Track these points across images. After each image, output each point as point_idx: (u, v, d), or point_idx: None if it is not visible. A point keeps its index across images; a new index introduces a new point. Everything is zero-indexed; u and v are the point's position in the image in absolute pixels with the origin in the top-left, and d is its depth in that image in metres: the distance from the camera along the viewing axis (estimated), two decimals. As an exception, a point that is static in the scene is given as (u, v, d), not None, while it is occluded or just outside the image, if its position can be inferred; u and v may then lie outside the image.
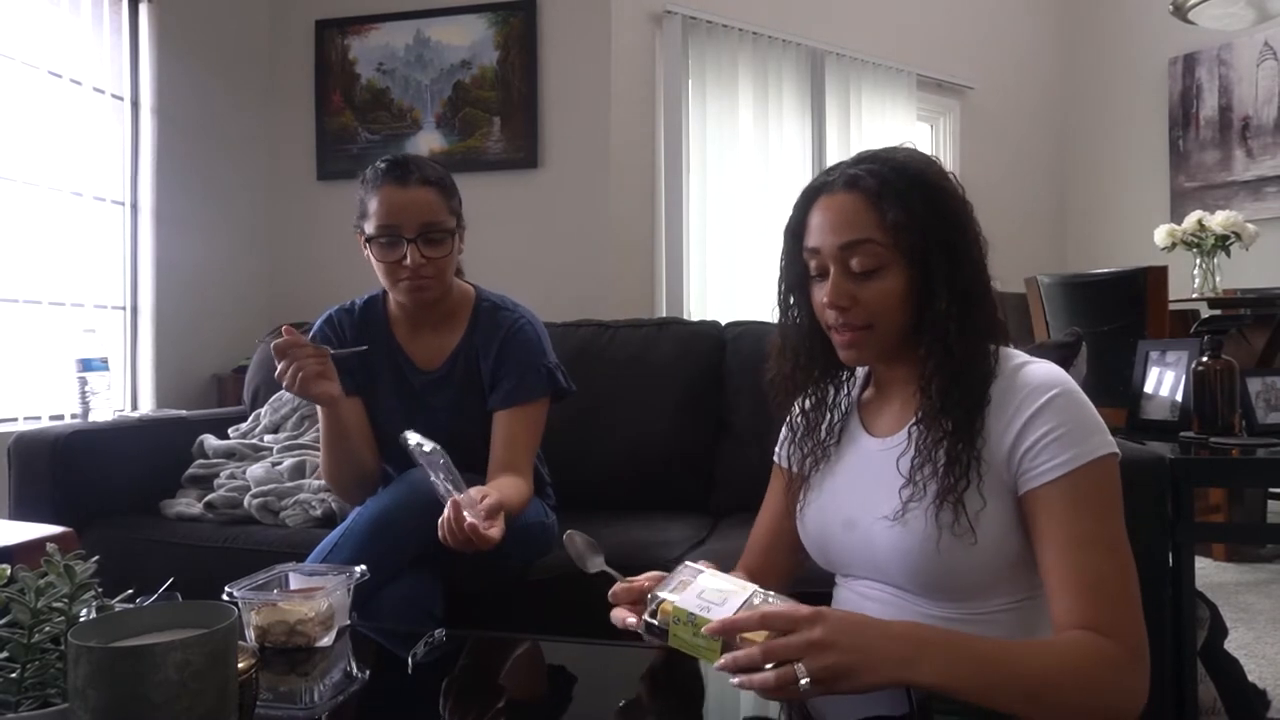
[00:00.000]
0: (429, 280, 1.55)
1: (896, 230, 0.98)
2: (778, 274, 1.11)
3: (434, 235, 1.53)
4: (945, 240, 0.98)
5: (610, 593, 1.00)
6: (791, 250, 1.07)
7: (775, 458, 1.23)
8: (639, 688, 1.00)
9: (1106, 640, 0.88)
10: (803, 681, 0.79)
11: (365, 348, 1.54)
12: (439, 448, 1.25)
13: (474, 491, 1.31)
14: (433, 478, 1.27)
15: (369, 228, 1.55)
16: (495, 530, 1.28)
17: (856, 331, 1.01)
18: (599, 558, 1.09)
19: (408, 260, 1.51)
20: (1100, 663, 0.87)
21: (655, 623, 0.91)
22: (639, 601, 0.97)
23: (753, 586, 0.92)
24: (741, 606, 0.88)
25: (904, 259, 0.98)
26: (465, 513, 1.25)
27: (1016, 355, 1.02)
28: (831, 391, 1.13)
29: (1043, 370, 0.99)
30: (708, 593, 0.91)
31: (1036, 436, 0.94)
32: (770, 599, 0.90)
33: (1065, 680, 0.85)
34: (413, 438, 1.25)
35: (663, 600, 0.91)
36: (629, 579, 1.00)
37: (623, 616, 0.97)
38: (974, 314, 0.99)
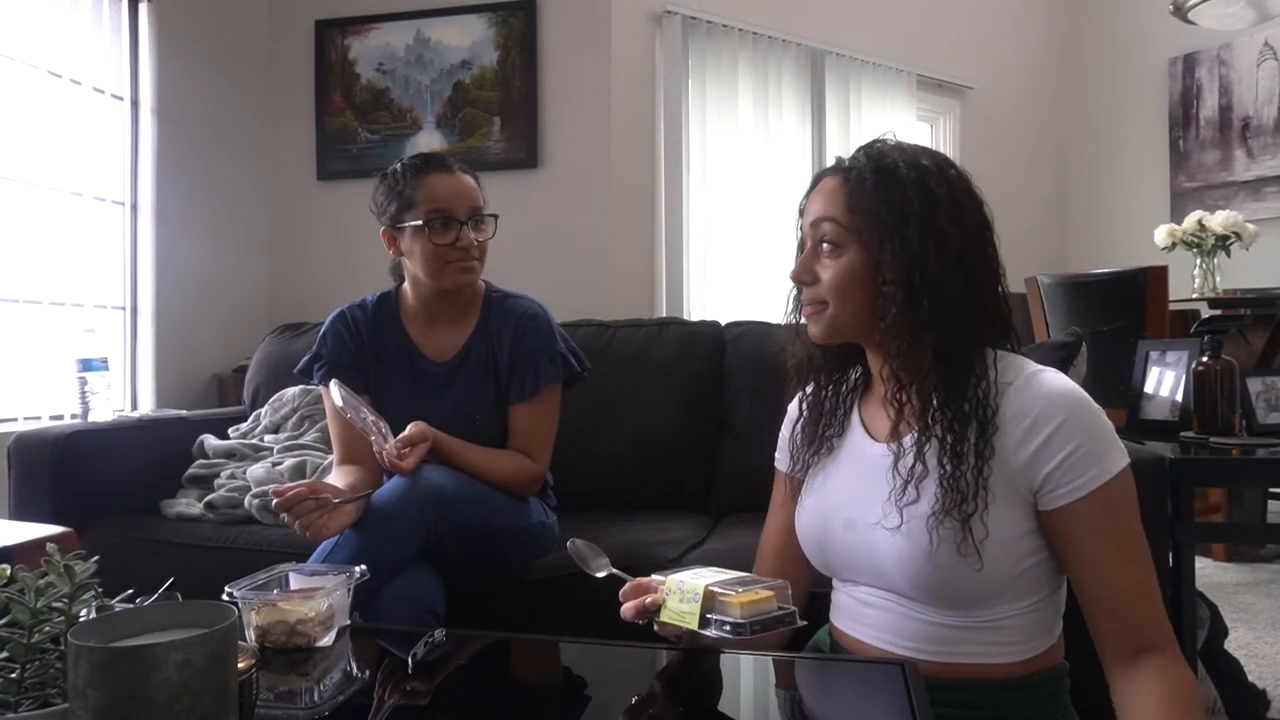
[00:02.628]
0: (475, 263, 1.63)
1: (851, 212, 1.02)
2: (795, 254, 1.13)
3: (481, 218, 1.63)
4: (905, 230, 0.99)
5: (620, 592, 1.01)
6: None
7: (776, 462, 1.22)
8: (653, 686, 1.00)
9: (1165, 660, 0.94)
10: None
11: (368, 493, 1.47)
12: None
13: (409, 428, 1.48)
14: (350, 415, 1.44)
15: (417, 216, 1.59)
16: (409, 461, 1.44)
17: (814, 306, 1.06)
18: (603, 560, 1.09)
19: (461, 242, 1.58)
20: (1189, 685, 0.94)
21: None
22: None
23: (749, 575, 0.97)
24: (732, 580, 0.93)
25: (856, 240, 1.02)
26: (377, 441, 1.44)
27: (1027, 364, 1.01)
28: (831, 388, 1.13)
29: (1057, 383, 0.98)
30: (703, 572, 0.97)
31: (1061, 456, 0.94)
32: (763, 584, 0.94)
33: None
34: (335, 387, 1.46)
35: (663, 581, 0.96)
36: (637, 579, 1.01)
37: (633, 605, 0.98)
38: (944, 312, 0.97)
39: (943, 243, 0.98)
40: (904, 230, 0.99)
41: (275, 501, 1.34)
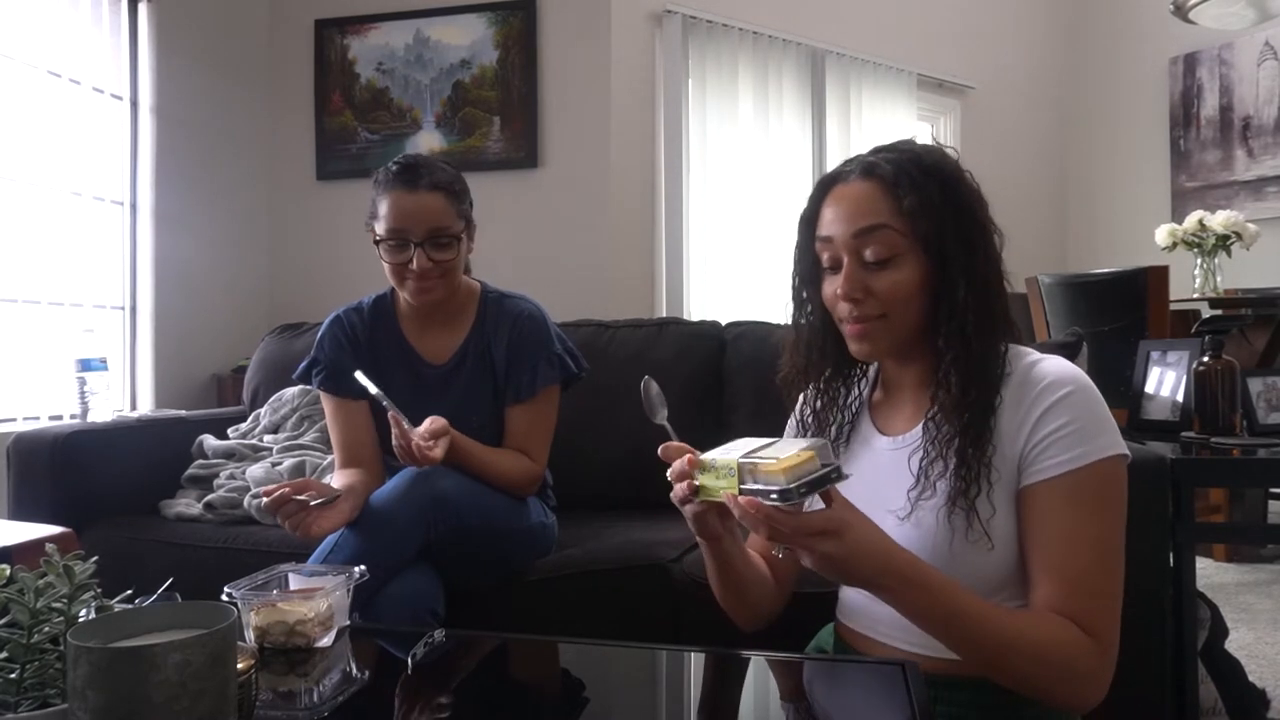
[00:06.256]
0: (435, 283, 1.57)
1: (913, 217, 0.97)
2: (792, 267, 1.10)
3: (441, 239, 1.56)
4: (962, 229, 0.98)
5: (661, 447, 0.99)
6: (805, 241, 1.06)
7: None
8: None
9: (1075, 626, 0.90)
10: (776, 552, 0.89)
11: (339, 492, 1.42)
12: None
13: (428, 421, 1.45)
14: (384, 402, 1.41)
15: (379, 229, 1.57)
16: (437, 451, 1.42)
17: (870, 323, 1.00)
18: (664, 411, 1.11)
19: (414, 265, 1.54)
20: (1061, 643, 0.89)
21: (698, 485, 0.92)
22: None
23: (782, 440, 0.94)
24: (762, 445, 0.90)
25: (920, 246, 0.97)
26: (406, 428, 1.40)
27: (1029, 353, 1.02)
28: (842, 392, 1.12)
29: (1057, 366, 0.98)
30: (737, 444, 0.93)
31: (1047, 432, 0.94)
32: (802, 446, 0.89)
33: (1023, 650, 0.88)
34: (362, 379, 1.43)
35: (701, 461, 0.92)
36: (680, 442, 0.99)
37: (680, 474, 0.95)
38: (991, 307, 0.98)
39: (990, 238, 1.00)
40: (970, 232, 0.98)
41: (264, 503, 1.34)
